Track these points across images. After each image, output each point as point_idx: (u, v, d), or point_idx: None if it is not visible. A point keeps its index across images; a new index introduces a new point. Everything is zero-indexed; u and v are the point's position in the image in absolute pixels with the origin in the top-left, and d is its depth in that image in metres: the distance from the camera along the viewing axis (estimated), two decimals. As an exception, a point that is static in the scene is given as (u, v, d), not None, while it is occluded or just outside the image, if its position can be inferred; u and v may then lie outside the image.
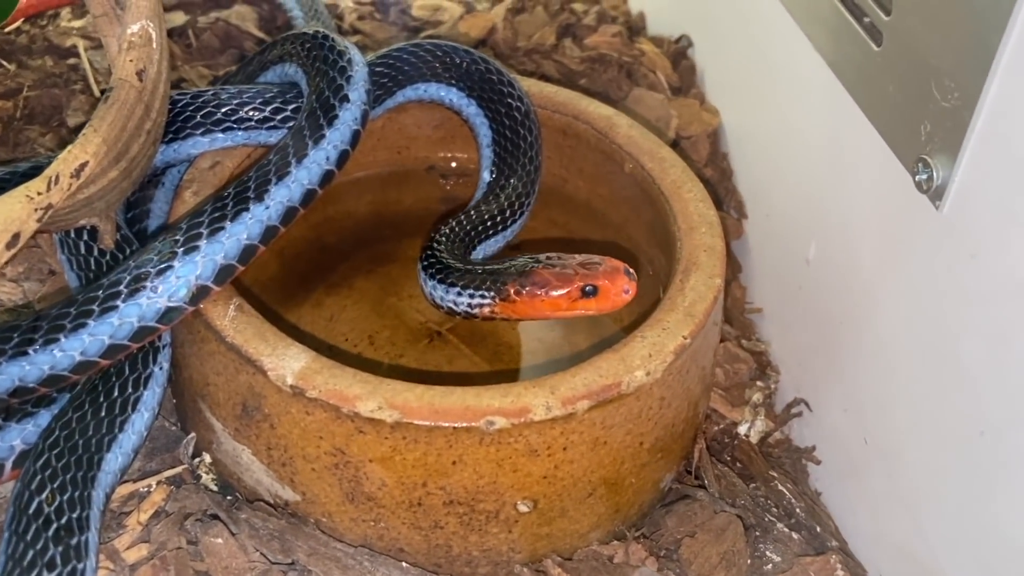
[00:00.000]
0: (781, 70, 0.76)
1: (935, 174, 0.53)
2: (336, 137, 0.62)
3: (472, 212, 0.70)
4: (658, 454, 0.62)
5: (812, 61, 0.68)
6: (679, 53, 0.98)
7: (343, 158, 0.63)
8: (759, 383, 0.78)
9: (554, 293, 0.60)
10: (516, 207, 0.70)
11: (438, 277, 0.64)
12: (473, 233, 0.69)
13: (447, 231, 0.67)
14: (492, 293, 0.61)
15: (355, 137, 0.63)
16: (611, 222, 0.77)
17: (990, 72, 0.48)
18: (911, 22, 0.55)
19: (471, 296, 0.62)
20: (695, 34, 0.97)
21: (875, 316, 0.64)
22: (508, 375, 0.71)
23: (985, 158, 0.50)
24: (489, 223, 0.69)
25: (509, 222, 0.70)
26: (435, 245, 0.66)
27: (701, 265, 0.63)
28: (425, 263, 0.65)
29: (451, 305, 0.63)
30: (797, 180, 0.75)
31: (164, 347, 0.63)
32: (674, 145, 0.88)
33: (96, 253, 0.63)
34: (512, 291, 0.61)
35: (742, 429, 0.75)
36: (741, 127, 0.87)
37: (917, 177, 0.55)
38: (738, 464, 0.73)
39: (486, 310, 0.62)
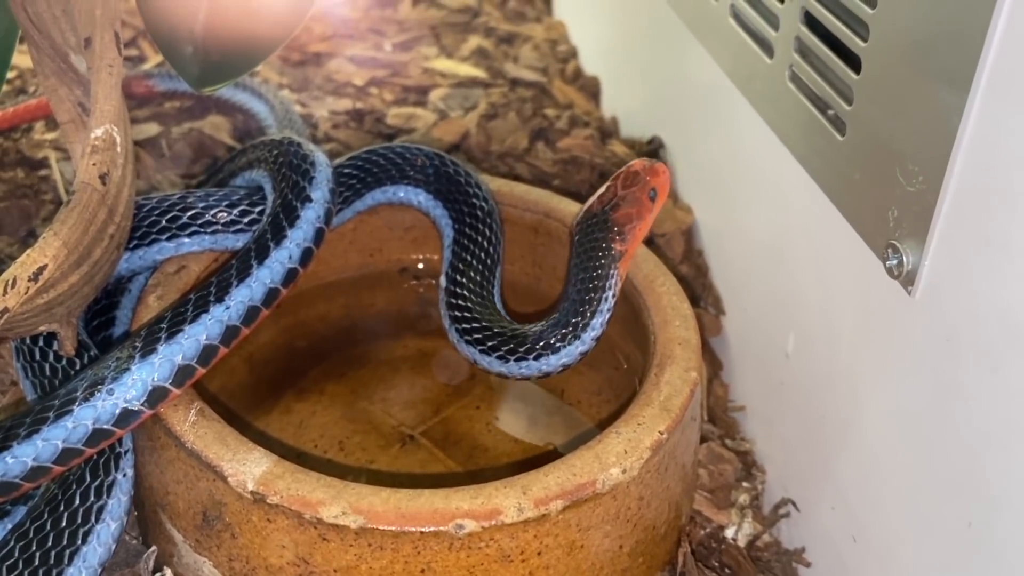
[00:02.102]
0: (751, 166, 0.77)
1: (905, 259, 0.53)
2: (299, 235, 0.62)
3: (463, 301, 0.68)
4: (639, 558, 0.59)
5: (780, 155, 0.68)
6: (651, 154, 0.99)
7: (307, 256, 0.62)
8: (745, 484, 0.76)
9: (642, 219, 0.64)
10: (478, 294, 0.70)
11: (570, 331, 0.63)
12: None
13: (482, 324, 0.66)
14: (612, 267, 0.63)
15: (318, 235, 0.63)
16: (586, 320, 0.76)
17: (952, 153, 0.48)
18: (873, 110, 0.55)
19: (605, 293, 0.63)
20: (666, 135, 0.98)
21: (856, 408, 0.62)
22: (484, 478, 0.68)
23: (953, 240, 0.50)
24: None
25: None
26: (504, 337, 0.64)
27: (676, 358, 0.62)
28: (526, 348, 0.63)
29: (603, 327, 0.63)
30: (772, 273, 0.74)
31: (126, 453, 0.61)
32: (649, 243, 0.88)
33: (52, 359, 0.62)
34: (619, 248, 0.63)
35: (729, 532, 0.73)
36: (715, 223, 0.87)
37: (888, 263, 0.54)
38: (726, 569, 0.70)
39: (618, 283, 0.64)
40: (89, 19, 0.62)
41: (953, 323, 0.51)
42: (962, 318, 0.50)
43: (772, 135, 0.69)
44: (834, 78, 0.60)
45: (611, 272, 0.63)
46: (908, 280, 0.53)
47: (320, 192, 0.64)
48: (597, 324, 0.63)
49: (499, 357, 0.64)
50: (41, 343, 0.63)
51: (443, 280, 0.71)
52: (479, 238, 0.71)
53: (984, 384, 0.49)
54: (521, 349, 0.63)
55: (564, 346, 0.63)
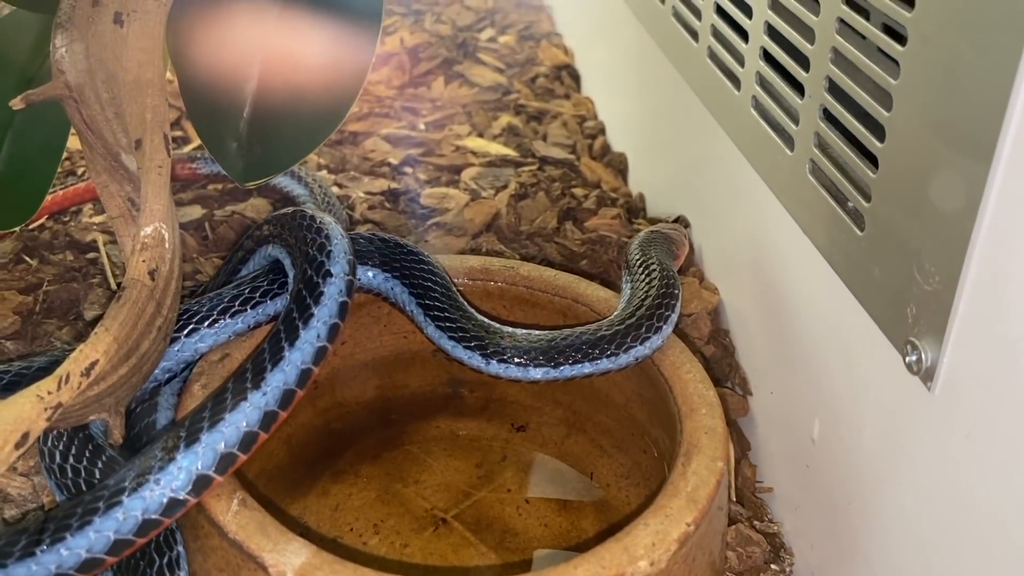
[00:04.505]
0: (774, 250, 0.78)
1: (924, 356, 0.54)
2: (325, 313, 0.63)
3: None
4: (668, 647, 0.60)
5: (802, 244, 0.70)
6: (678, 233, 1.01)
7: (334, 331, 0.64)
8: (773, 566, 0.77)
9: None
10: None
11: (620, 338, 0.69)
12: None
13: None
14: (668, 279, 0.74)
15: (343, 309, 0.65)
16: (614, 402, 0.77)
17: (967, 255, 0.50)
18: (890, 208, 0.57)
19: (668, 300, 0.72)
20: (692, 214, 1.00)
21: (881, 497, 0.63)
22: (514, 566, 0.69)
23: (970, 339, 0.51)
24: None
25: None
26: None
27: (703, 448, 0.63)
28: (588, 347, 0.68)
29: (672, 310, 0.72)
30: (797, 358, 0.75)
31: (177, 528, 0.63)
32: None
33: (72, 460, 0.64)
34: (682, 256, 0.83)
35: (759, 615, 0.73)
36: (740, 304, 0.89)
37: (907, 359, 0.55)
38: (756, 652, 0.70)
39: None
40: (140, 122, 0.66)
41: (973, 421, 0.52)
42: (981, 417, 0.51)
43: (794, 224, 0.71)
44: (853, 174, 0.62)
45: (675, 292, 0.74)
46: (927, 376, 0.54)
47: (339, 266, 0.65)
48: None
49: (610, 355, 0.69)
50: (61, 446, 0.65)
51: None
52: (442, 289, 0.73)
53: (1004, 483, 0.50)
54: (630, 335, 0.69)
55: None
